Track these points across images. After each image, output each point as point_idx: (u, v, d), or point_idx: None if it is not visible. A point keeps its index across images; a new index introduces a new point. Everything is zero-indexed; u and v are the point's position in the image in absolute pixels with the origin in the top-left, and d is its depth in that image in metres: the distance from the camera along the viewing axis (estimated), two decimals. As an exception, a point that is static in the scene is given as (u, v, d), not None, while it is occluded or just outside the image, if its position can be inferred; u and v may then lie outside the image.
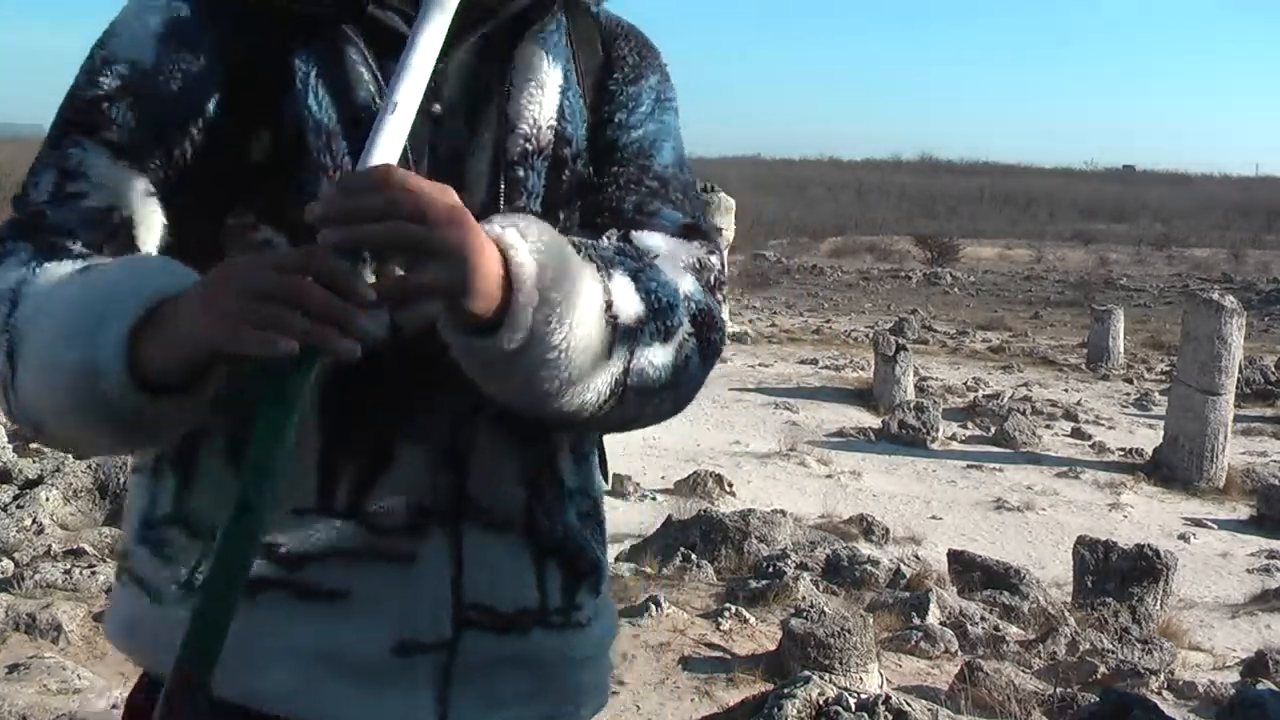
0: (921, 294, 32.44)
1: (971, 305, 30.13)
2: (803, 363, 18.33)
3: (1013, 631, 5.84)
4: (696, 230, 1.14)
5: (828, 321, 24.98)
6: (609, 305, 0.97)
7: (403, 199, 0.85)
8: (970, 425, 14.10)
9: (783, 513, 7.99)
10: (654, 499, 9.87)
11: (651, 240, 1.09)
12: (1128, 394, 17.45)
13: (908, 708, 3.54)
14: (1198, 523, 10.68)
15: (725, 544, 7.09)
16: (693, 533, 7.26)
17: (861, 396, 15.33)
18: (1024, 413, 14.45)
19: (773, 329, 22.61)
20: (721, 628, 5.04)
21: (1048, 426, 14.31)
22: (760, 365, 17.77)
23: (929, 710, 3.60)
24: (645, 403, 1.03)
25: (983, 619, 5.83)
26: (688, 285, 1.07)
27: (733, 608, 5.27)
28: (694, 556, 6.68)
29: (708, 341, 1.07)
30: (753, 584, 5.94)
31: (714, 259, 1.13)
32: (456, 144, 1.06)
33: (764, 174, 68.25)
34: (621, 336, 0.97)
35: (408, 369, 1.00)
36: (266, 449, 0.86)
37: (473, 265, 0.87)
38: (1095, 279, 36.02)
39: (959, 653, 5.25)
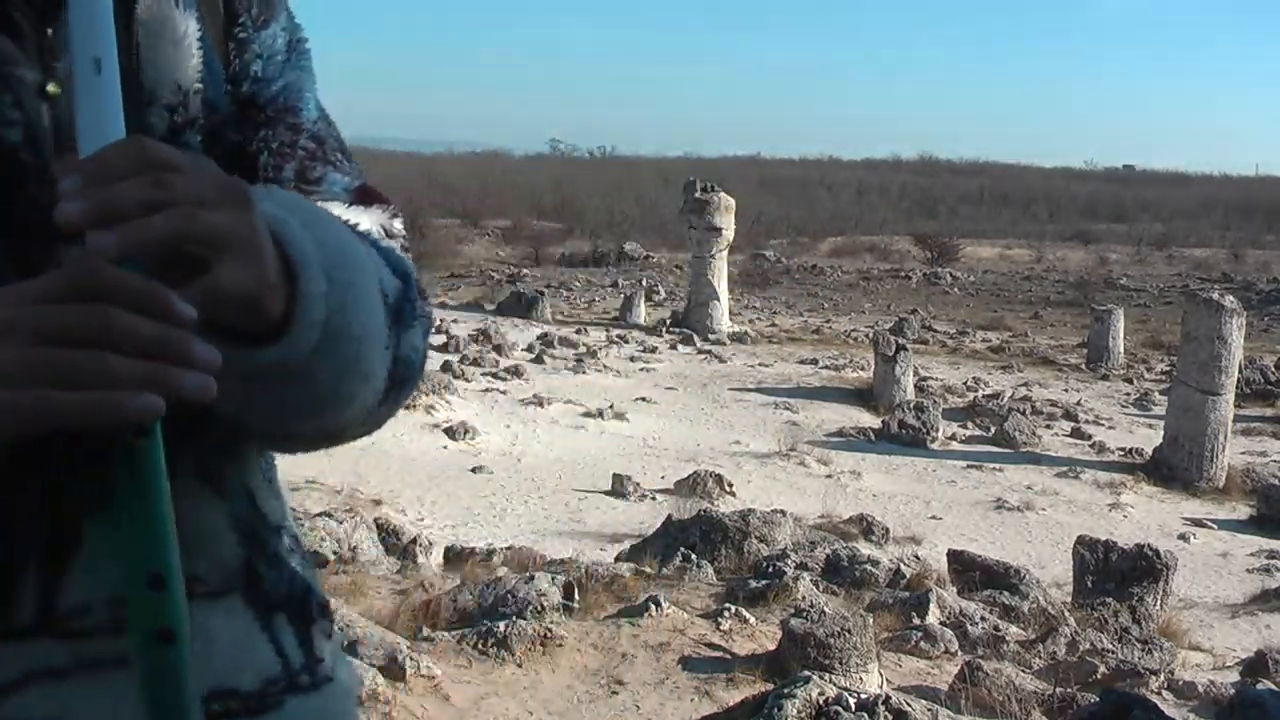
0: (921, 294, 32.42)
1: (971, 305, 30.13)
2: (803, 363, 18.33)
3: (1013, 631, 5.84)
4: (370, 193, 0.96)
5: (828, 321, 24.98)
6: (380, 280, 0.82)
7: (176, 181, 0.65)
8: (970, 425, 14.11)
9: (783, 513, 7.99)
10: (654, 499, 9.88)
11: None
12: (1128, 394, 17.46)
13: (908, 708, 3.54)
14: (1198, 523, 10.69)
15: (725, 544, 7.10)
16: (693, 533, 7.27)
17: (861, 396, 15.34)
18: (1024, 413, 14.46)
19: (773, 329, 22.61)
20: (721, 628, 5.03)
21: (1048, 426, 14.32)
22: (760, 365, 17.78)
23: (929, 710, 3.61)
24: (402, 394, 0.88)
25: (983, 619, 5.82)
26: (401, 255, 0.92)
27: (733, 608, 5.27)
28: (694, 556, 6.68)
29: (428, 316, 0.93)
30: (753, 584, 5.94)
31: (397, 223, 0.96)
32: None
33: (764, 174, 68.20)
34: (393, 316, 0.83)
35: None
36: (160, 554, 0.65)
37: (265, 252, 0.70)
38: (1095, 279, 35.97)
39: (959, 653, 5.25)
